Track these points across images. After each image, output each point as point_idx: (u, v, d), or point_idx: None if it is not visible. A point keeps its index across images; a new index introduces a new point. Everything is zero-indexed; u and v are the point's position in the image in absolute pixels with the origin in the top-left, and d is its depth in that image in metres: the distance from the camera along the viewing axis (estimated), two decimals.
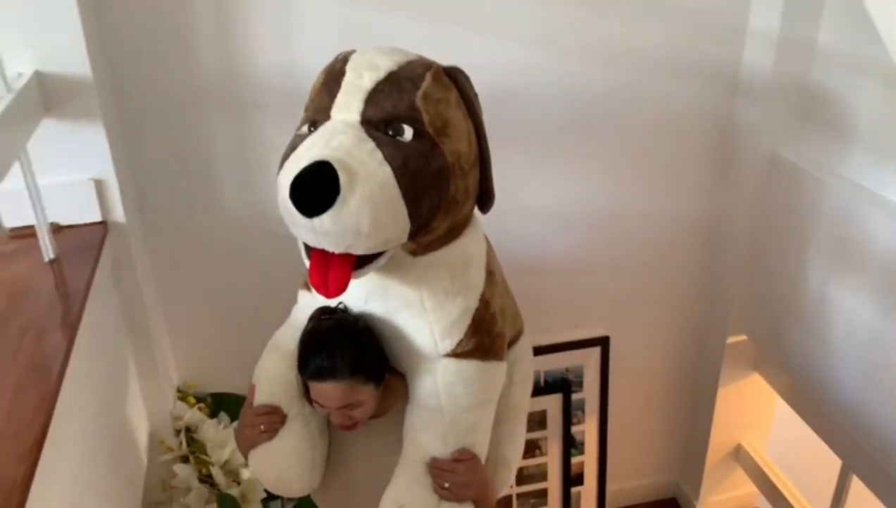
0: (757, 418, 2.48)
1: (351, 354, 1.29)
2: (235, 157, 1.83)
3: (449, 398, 1.33)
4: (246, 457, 1.41)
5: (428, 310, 1.32)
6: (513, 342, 1.54)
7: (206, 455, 1.88)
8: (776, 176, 2.00)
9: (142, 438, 1.80)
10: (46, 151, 1.49)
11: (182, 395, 1.98)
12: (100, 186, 1.59)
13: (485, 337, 1.37)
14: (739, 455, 2.52)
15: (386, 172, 1.15)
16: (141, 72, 1.70)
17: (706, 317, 2.37)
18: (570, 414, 2.36)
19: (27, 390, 1.13)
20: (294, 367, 1.35)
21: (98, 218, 1.61)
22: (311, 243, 1.18)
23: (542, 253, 2.17)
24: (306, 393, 1.36)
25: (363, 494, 1.42)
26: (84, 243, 1.55)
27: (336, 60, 1.28)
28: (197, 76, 1.73)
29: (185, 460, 1.88)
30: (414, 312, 1.32)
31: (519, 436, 1.60)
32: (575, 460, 2.45)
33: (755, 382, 2.35)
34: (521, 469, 2.41)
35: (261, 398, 1.38)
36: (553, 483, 2.45)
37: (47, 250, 1.48)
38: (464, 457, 1.33)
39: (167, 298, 1.94)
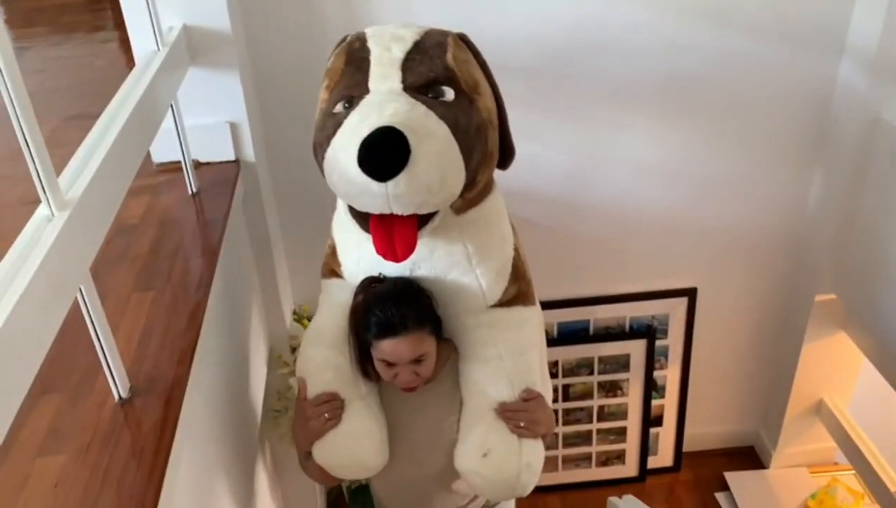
0: (841, 376, 2.51)
1: (415, 305, 1.33)
2: None
3: (505, 344, 1.39)
4: (308, 454, 1.41)
5: (474, 265, 1.36)
6: None
7: None
8: (878, 139, 2.00)
9: (262, 352, 2.04)
10: (190, 97, 1.69)
11: (297, 317, 2.20)
12: (234, 128, 1.78)
13: (522, 283, 1.45)
14: (821, 411, 2.57)
15: (444, 129, 1.20)
16: (273, 28, 1.87)
17: (795, 274, 2.41)
18: (653, 359, 2.47)
19: (180, 304, 1.34)
20: (342, 352, 1.40)
21: (232, 157, 1.81)
22: (378, 210, 1.21)
23: (637, 204, 2.25)
24: (363, 368, 1.40)
25: (425, 459, 1.49)
26: (220, 179, 1.75)
27: (352, 40, 1.33)
28: (321, 34, 1.88)
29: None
30: (461, 269, 1.36)
31: (548, 380, 1.63)
32: (655, 402, 2.57)
33: (841, 341, 2.38)
34: (601, 407, 2.55)
35: (316, 388, 1.40)
36: (633, 423, 2.58)
37: (190, 183, 1.69)
38: (531, 396, 1.39)
39: (287, 229, 2.15)
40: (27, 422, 0.92)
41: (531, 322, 1.48)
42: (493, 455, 1.35)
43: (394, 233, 1.22)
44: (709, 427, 2.74)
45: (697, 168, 2.19)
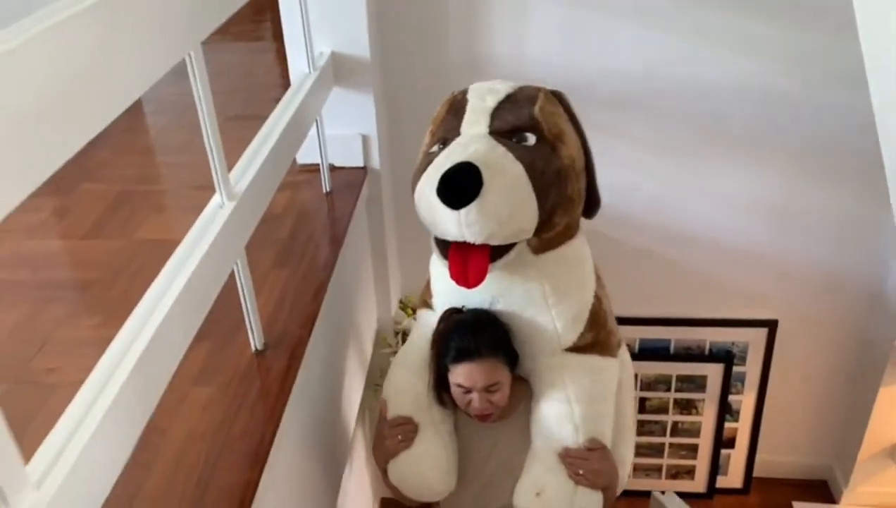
0: None
1: (490, 334, 1.41)
2: None
3: (576, 389, 1.43)
4: (384, 471, 1.51)
5: (550, 305, 1.42)
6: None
7: None
8: None
9: (370, 333, 2.35)
10: (331, 111, 2.01)
11: (402, 305, 2.50)
12: (365, 140, 2.09)
13: (601, 332, 1.49)
14: (895, 454, 2.61)
15: (518, 168, 1.30)
16: (405, 57, 2.17)
17: (876, 316, 2.48)
18: (729, 383, 2.60)
19: (308, 281, 1.65)
20: (422, 378, 1.49)
21: (361, 164, 2.12)
22: (454, 237, 1.30)
23: (724, 234, 2.40)
24: (439, 395, 1.48)
25: (493, 494, 1.52)
26: (350, 182, 2.07)
27: (457, 93, 1.48)
28: (445, 63, 2.17)
29: None
30: (538, 308, 1.42)
31: (631, 439, 1.69)
32: (729, 425, 2.69)
33: None
34: (676, 423, 2.71)
35: (394, 410, 1.50)
36: (704, 442, 2.72)
37: (325, 184, 2.01)
38: (596, 446, 1.41)
39: (401, 229, 2.45)
40: (187, 359, 1.21)
41: (607, 373, 1.51)
42: (546, 496, 1.40)
43: (468, 261, 1.32)
44: (781, 456, 2.83)
45: (784, 203, 2.32)
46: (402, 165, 2.34)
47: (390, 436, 1.48)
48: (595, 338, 1.49)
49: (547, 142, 1.36)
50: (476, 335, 1.40)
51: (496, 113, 1.38)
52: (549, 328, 1.44)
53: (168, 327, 1.03)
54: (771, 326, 2.52)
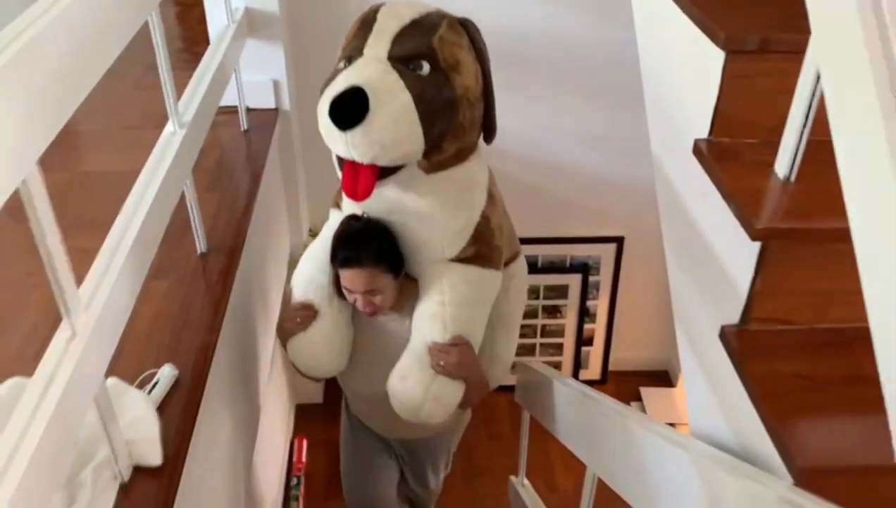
0: None
1: (374, 247, 1.56)
2: None
3: (452, 293, 1.58)
4: (285, 346, 1.72)
5: (438, 221, 1.55)
6: (510, 260, 1.83)
7: None
8: None
9: (285, 256, 2.71)
10: (246, 59, 2.34)
11: (312, 233, 2.87)
12: (276, 84, 2.43)
13: (483, 247, 1.63)
14: None
15: (406, 97, 1.36)
16: (309, 10, 2.50)
17: None
18: (587, 291, 3.13)
19: (237, 203, 2.00)
20: (326, 271, 1.66)
21: (273, 106, 2.46)
22: (343, 155, 1.40)
23: (581, 166, 2.89)
24: (337, 287, 1.65)
25: (378, 380, 1.67)
26: (264, 122, 2.41)
27: (369, 11, 1.51)
28: (345, 13, 2.52)
29: None
30: (427, 222, 1.55)
31: (513, 339, 1.90)
32: (587, 326, 3.24)
33: None
34: (543, 326, 3.23)
35: (297, 296, 1.68)
36: (568, 341, 3.26)
37: (243, 123, 2.34)
38: (458, 342, 1.57)
39: (308, 164, 2.81)
40: None
41: (485, 283, 1.66)
42: (409, 382, 1.58)
43: (357, 177, 1.43)
44: (631, 352, 3.41)
45: (626, 135, 2.79)
46: (309, 106, 2.64)
47: (290, 318, 1.68)
48: (477, 252, 1.63)
49: (441, 71, 1.43)
50: (359, 246, 1.57)
51: (398, 38, 1.43)
52: (435, 239, 1.59)
53: (151, 220, 1.38)
54: (619, 241, 3.06)
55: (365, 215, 1.61)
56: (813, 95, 0.93)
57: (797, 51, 0.93)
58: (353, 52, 1.46)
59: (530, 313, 3.20)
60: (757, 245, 0.99)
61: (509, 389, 3.30)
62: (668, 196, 1.37)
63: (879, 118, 0.63)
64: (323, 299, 1.67)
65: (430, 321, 1.59)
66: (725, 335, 1.05)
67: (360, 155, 1.38)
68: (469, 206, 1.61)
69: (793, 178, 1.01)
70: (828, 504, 0.80)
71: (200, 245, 1.78)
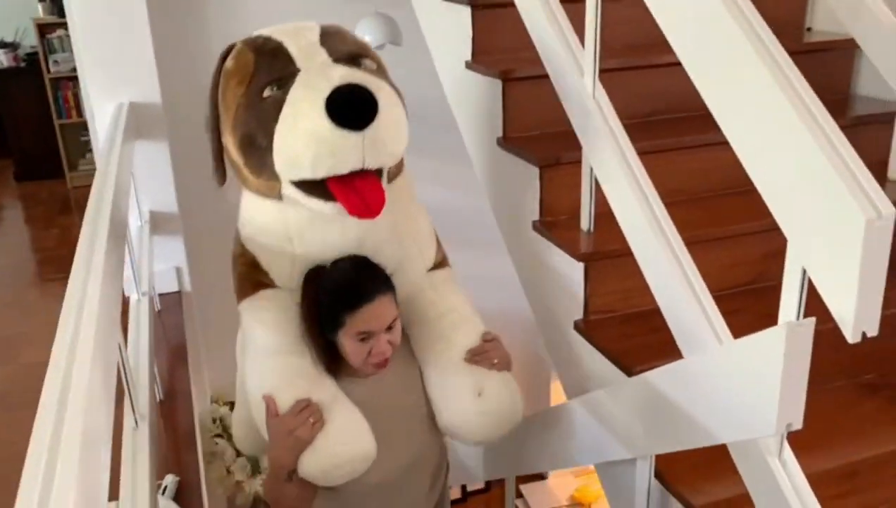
0: None
1: (376, 270, 1.39)
2: None
3: (452, 296, 1.51)
4: (290, 475, 1.33)
5: (409, 231, 1.46)
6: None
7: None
8: None
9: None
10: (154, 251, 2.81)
11: (214, 398, 3.22)
12: (178, 271, 2.90)
13: (440, 248, 1.58)
14: None
15: (387, 86, 1.28)
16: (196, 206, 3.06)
17: None
18: None
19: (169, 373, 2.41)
20: (303, 355, 1.38)
21: (177, 289, 2.91)
22: (351, 166, 1.21)
23: None
24: (328, 366, 1.40)
25: (398, 445, 1.46)
26: (171, 303, 2.85)
27: (249, 40, 1.35)
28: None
29: (220, 436, 3.12)
30: (400, 237, 1.44)
31: None
32: None
33: None
34: None
35: (290, 396, 1.33)
36: None
37: (157, 305, 2.77)
38: (490, 337, 1.49)
39: (208, 335, 3.22)
40: None
41: (457, 280, 1.60)
42: (488, 391, 1.41)
43: (360, 189, 1.25)
44: None
45: None
46: (204, 288, 3.17)
47: (299, 424, 1.30)
48: (443, 254, 1.60)
49: (382, 68, 1.38)
50: (368, 273, 1.38)
51: (324, 43, 1.33)
52: (413, 253, 1.48)
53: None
54: None
55: (328, 264, 1.40)
56: (591, 187, 1.66)
57: (579, 160, 1.66)
58: (279, 74, 1.29)
59: None
60: (582, 265, 1.67)
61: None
62: (519, 257, 1.99)
63: (631, 197, 1.35)
64: (318, 388, 1.37)
65: (452, 330, 1.48)
66: (577, 325, 1.71)
67: (377, 156, 1.24)
68: (420, 209, 1.55)
69: (591, 230, 1.72)
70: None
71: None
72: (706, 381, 1.15)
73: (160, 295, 2.85)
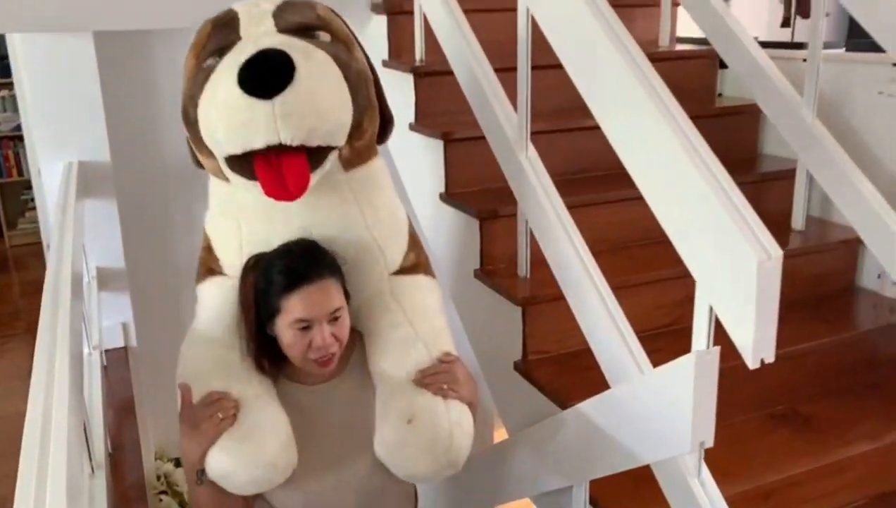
0: None
1: (322, 253, 1.26)
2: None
3: (412, 309, 1.35)
4: (199, 474, 1.23)
5: (370, 226, 1.32)
6: None
7: (178, 486, 3.13)
8: None
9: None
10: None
11: (158, 456, 3.22)
12: (125, 326, 2.92)
13: (420, 252, 1.46)
14: None
15: (325, 56, 1.17)
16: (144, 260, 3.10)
17: None
18: None
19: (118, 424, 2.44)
20: (232, 346, 1.28)
21: (123, 344, 2.93)
22: (264, 140, 1.12)
23: None
24: (258, 362, 1.29)
25: (341, 465, 1.32)
26: (117, 359, 2.87)
27: (218, 16, 1.30)
28: (171, 258, 3.14)
29: (164, 493, 3.12)
30: (357, 232, 1.31)
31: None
32: None
33: None
34: None
35: (202, 388, 1.24)
36: None
37: (103, 361, 2.79)
38: (449, 359, 1.32)
39: (153, 391, 3.23)
40: None
41: (436, 292, 1.45)
42: (420, 420, 1.23)
43: (283, 169, 1.15)
44: None
45: None
46: (150, 343, 3.19)
47: (205, 418, 1.21)
48: (417, 259, 1.45)
49: (341, 42, 1.28)
50: (306, 256, 1.26)
51: (277, 15, 1.26)
52: (373, 250, 1.35)
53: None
54: None
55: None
56: (526, 237, 1.81)
57: (515, 213, 1.81)
58: (222, 44, 1.22)
59: None
60: (520, 309, 1.80)
61: None
62: (461, 303, 2.12)
63: (562, 247, 1.50)
64: (240, 383, 1.27)
65: (404, 346, 1.33)
66: (516, 365, 1.84)
67: (291, 131, 1.12)
68: (393, 204, 1.43)
69: (528, 276, 1.87)
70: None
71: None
72: (630, 407, 1.28)
73: (106, 351, 2.87)
